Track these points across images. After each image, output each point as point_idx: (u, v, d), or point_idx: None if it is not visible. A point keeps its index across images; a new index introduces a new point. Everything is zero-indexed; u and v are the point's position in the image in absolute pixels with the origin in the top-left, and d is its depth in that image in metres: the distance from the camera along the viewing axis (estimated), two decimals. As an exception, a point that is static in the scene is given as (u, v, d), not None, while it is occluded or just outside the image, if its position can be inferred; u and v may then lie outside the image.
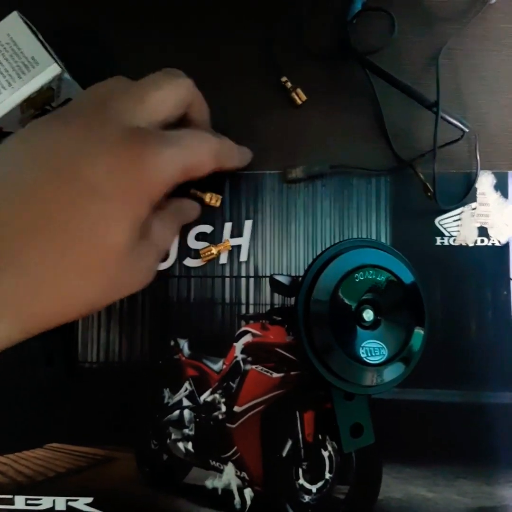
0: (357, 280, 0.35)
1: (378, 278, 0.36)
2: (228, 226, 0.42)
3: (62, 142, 0.28)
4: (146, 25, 0.43)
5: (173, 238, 0.38)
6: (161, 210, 0.33)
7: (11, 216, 0.26)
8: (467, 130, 0.38)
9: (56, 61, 0.37)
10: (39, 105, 0.38)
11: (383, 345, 0.36)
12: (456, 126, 0.38)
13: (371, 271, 0.35)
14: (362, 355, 0.35)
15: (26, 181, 0.27)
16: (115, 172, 0.28)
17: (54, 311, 0.28)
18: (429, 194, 0.39)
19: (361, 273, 0.35)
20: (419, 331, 0.36)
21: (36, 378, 0.40)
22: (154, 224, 0.32)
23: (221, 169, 0.35)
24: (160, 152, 0.29)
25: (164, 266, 0.42)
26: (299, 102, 0.41)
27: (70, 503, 0.42)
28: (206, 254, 0.41)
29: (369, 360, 0.35)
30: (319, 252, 0.42)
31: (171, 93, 0.32)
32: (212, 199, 0.41)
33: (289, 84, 0.41)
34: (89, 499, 0.42)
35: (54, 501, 0.42)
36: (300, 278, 0.42)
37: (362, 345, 0.35)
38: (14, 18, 0.37)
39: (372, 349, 0.35)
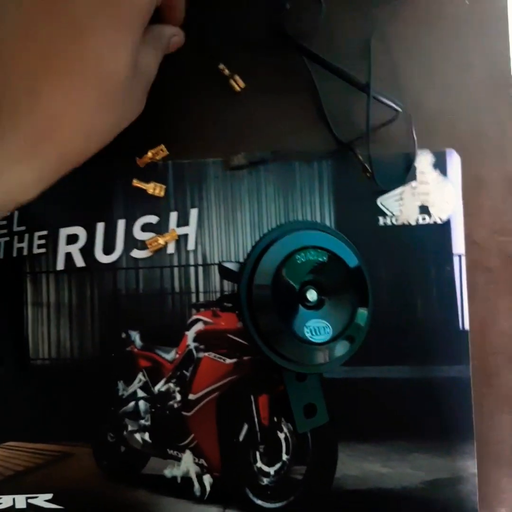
0: (299, 262, 0.36)
1: (319, 259, 0.36)
2: (173, 215, 0.42)
3: None
4: None
5: (157, 66, 0.36)
6: (144, 36, 0.33)
7: (18, 54, 0.28)
8: (400, 110, 0.39)
9: None
10: None
11: (328, 324, 0.36)
12: (389, 106, 0.38)
13: (312, 252, 0.36)
14: (307, 335, 0.35)
15: (23, 19, 0.28)
16: (102, 3, 0.29)
17: (78, 145, 0.30)
18: (368, 175, 0.40)
19: (302, 254, 0.36)
20: (362, 311, 0.36)
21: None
22: (140, 51, 0.32)
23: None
24: None
25: (110, 259, 0.42)
26: (238, 89, 0.42)
27: (30, 501, 0.41)
28: (153, 244, 0.41)
29: (314, 339, 0.35)
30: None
31: None
32: (156, 189, 0.41)
33: (226, 72, 0.41)
34: (49, 495, 0.42)
35: (14, 499, 0.42)
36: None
37: (306, 324, 0.36)
38: None
39: (317, 328, 0.36)
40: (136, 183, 0.41)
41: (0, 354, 0.41)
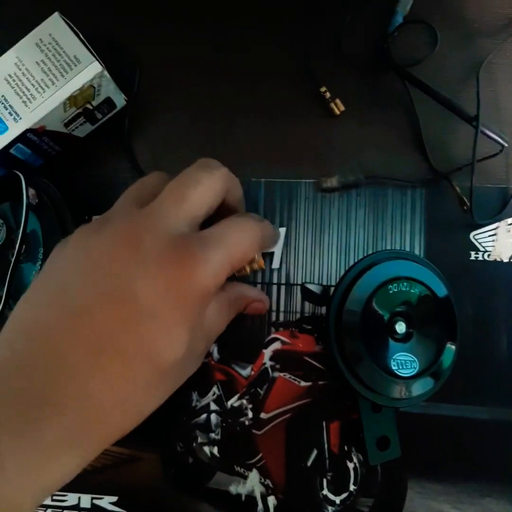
0: (390, 292, 0.35)
1: (411, 291, 0.36)
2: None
3: (108, 261, 0.28)
4: (185, 33, 0.44)
5: (225, 324, 0.35)
6: (220, 293, 0.32)
7: (72, 344, 0.26)
8: (506, 144, 0.38)
9: (97, 60, 0.38)
10: (80, 103, 0.39)
11: (415, 358, 0.35)
12: (495, 140, 0.37)
13: (405, 283, 0.35)
14: (393, 368, 0.35)
15: (78, 305, 0.27)
16: (164, 289, 0.27)
17: (126, 425, 0.28)
18: (465, 208, 0.39)
19: (395, 285, 0.35)
20: (450, 347, 0.36)
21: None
22: (210, 308, 0.31)
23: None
24: (207, 259, 0.28)
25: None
26: (338, 112, 0.42)
27: (95, 501, 0.42)
28: (240, 271, 0.41)
29: (400, 372, 0.35)
30: (351, 262, 0.42)
31: (210, 187, 0.31)
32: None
33: (328, 95, 0.41)
34: (114, 498, 0.42)
35: (79, 498, 0.42)
36: (332, 288, 0.42)
37: (393, 357, 0.35)
38: (55, 19, 0.38)
39: (404, 361, 0.35)
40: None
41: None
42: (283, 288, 0.42)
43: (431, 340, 0.36)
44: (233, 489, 0.41)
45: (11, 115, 0.38)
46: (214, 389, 0.42)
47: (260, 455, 0.41)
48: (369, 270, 0.35)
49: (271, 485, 0.41)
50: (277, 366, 0.42)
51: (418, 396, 0.36)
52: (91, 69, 0.38)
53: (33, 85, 0.38)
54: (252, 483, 0.41)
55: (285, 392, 0.42)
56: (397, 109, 0.42)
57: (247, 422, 0.42)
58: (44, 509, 0.42)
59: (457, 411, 0.41)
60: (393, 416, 0.39)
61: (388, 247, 0.42)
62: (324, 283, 0.42)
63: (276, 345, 0.42)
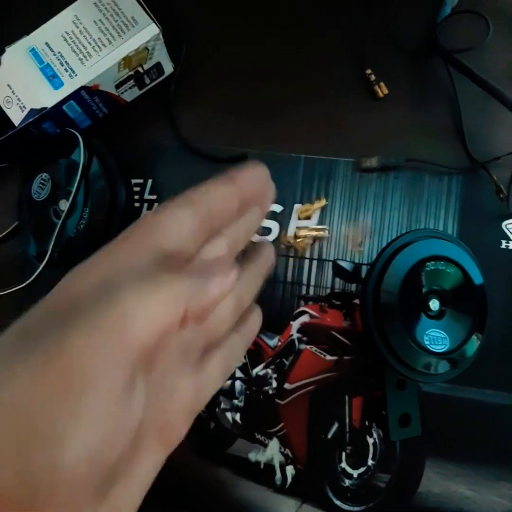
0: (428, 269, 0.36)
1: (447, 270, 0.36)
2: (297, 207, 0.43)
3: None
4: (236, 11, 0.44)
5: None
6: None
7: None
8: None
9: (154, 22, 0.39)
10: (133, 65, 0.40)
11: (446, 335, 0.36)
12: (538, 131, 0.38)
13: (442, 263, 0.36)
14: (426, 342, 0.36)
15: None
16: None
17: None
18: (501, 196, 0.40)
19: (432, 262, 0.36)
20: (477, 334, 0.36)
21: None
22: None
23: None
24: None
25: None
26: (381, 95, 0.42)
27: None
28: (303, 212, 0.42)
29: (432, 347, 0.35)
30: (384, 242, 0.43)
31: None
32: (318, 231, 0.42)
33: (372, 77, 0.42)
34: (134, 458, 0.42)
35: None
36: (364, 266, 0.43)
37: (426, 332, 0.36)
38: None
39: (436, 337, 0.36)
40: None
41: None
42: (315, 262, 0.43)
43: (462, 320, 0.37)
44: (252, 456, 0.42)
45: (67, 71, 0.38)
46: (241, 357, 0.43)
47: (282, 424, 0.42)
48: (408, 246, 0.36)
49: (290, 455, 0.42)
50: (304, 338, 0.42)
51: (443, 374, 0.36)
52: (148, 31, 0.38)
53: (89, 43, 0.39)
54: (272, 451, 0.42)
55: (310, 365, 0.42)
56: (440, 96, 0.43)
57: (271, 391, 0.42)
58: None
59: (479, 394, 0.42)
60: (416, 394, 0.40)
61: (422, 230, 0.43)
62: (356, 261, 0.43)
63: (305, 318, 0.43)
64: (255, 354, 0.43)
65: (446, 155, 0.43)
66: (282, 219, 0.43)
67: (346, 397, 0.42)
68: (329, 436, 0.42)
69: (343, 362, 0.42)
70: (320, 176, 0.43)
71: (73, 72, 0.38)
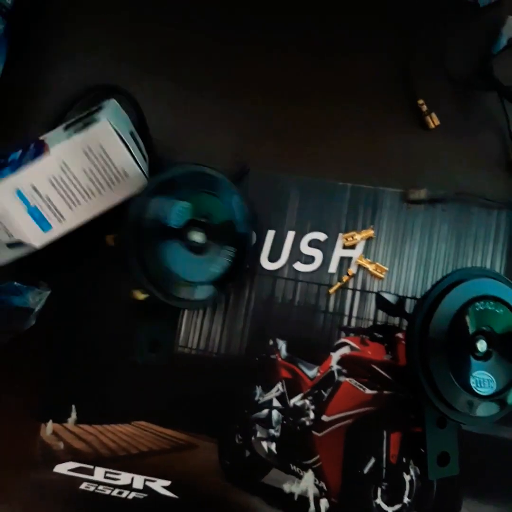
0: (477, 309, 0.35)
1: (497, 310, 0.36)
2: (341, 236, 0.42)
3: None
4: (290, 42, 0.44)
5: None
6: None
7: None
8: None
9: (144, 174, 0.38)
10: None
11: (492, 377, 0.35)
12: None
13: (491, 303, 0.35)
14: (472, 384, 0.35)
15: None
16: None
17: None
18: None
19: (482, 303, 0.35)
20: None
21: (141, 361, 0.41)
22: None
23: None
24: None
25: (274, 266, 0.43)
26: (432, 125, 0.42)
27: (147, 483, 0.42)
28: (349, 240, 0.42)
29: (478, 390, 0.35)
30: (430, 275, 0.42)
31: None
32: (377, 269, 0.42)
33: (424, 107, 0.42)
34: (167, 482, 0.42)
35: (132, 478, 0.43)
36: (408, 299, 0.42)
37: (473, 374, 0.35)
38: (105, 127, 0.37)
39: (482, 380, 0.35)
40: (360, 260, 0.42)
41: (158, 339, 0.42)
42: (357, 293, 0.42)
43: (509, 364, 0.36)
44: (287, 487, 0.42)
45: (56, 216, 0.38)
46: (279, 386, 0.42)
47: (318, 456, 0.42)
48: (458, 286, 0.35)
49: (325, 488, 0.41)
50: (344, 370, 0.42)
51: (487, 417, 0.36)
52: (139, 182, 0.38)
53: (78, 191, 0.38)
54: (306, 483, 0.41)
55: (349, 397, 0.42)
56: (491, 128, 0.42)
57: (308, 423, 0.42)
58: (96, 484, 0.43)
59: (520, 436, 0.41)
60: (456, 433, 0.39)
61: (469, 265, 0.42)
62: (400, 293, 0.42)
63: (345, 350, 0.42)
64: (293, 384, 0.42)
65: (495, 189, 0.42)
66: (326, 248, 0.43)
67: (384, 432, 0.41)
68: (365, 471, 0.41)
69: (383, 396, 0.42)
70: (366, 206, 0.43)
71: (62, 217, 0.38)
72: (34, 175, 0.36)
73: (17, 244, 0.38)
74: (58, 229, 0.39)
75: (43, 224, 0.38)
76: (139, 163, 0.38)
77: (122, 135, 0.37)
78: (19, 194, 0.36)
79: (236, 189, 0.39)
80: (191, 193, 0.37)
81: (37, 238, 0.38)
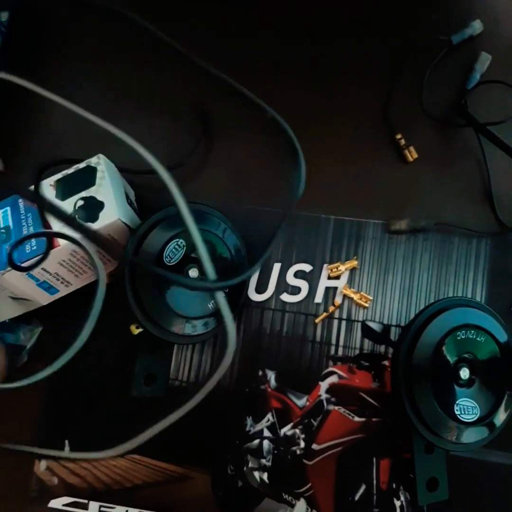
0: (458, 338, 0.36)
1: (478, 339, 0.37)
2: (326, 267, 0.44)
3: None
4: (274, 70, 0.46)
5: None
6: None
7: None
8: None
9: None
10: None
11: (476, 404, 0.36)
12: None
13: (472, 331, 0.36)
14: (457, 412, 0.36)
15: None
16: None
17: None
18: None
19: (463, 331, 0.36)
20: (507, 403, 0.37)
21: (138, 394, 0.42)
22: None
23: None
24: None
25: (261, 297, 0.44)
26: (411, 159, 0.43)
27: (142, 516, 0.43)
28: (334, 270, 0.43)
29: (462, 418, 0.36)
30: (413, 304, 0.43)
31: None
32: (362, 298, 0.43)
33: (402, 141, 0.43)
34: (161, 515, 0.43)
35: (127, 511, 0.43)
36: (393, 327, 0.43)
37: (457, 402, 0.36)
38: (117, 224, 0.38)
39: (466, 407, 0.36)
40: (345, 290, 0.43)
41: (154, 372, 0.42)
42: (344, 323, 0.43)
43: (492, 389, 0.37)
44: (279, 516, 0.42)
45: (63, 283, 0.40)
46: (269, 416, 0.43)
47: (309, 485, 0.42)
48: (440, 315, 0.36)
49: (317, 516, 0.42)
50: (333, 399, 0.43)
51: (474, 443, 0.37)
52: None
53: (86, 264, 0.40)
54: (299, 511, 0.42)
55: (338, 426, 0.42)
56: (469, 161, 0.44)
57: (298, 452, 0.43)
58: (91, 519, 0.43)
59: (508, 459, 0.41)
60: (444, 458, 0.40)
61: (451, 293, 0.43)
62: (385, 322, 0.43)
63: (333, 379, 0.43)
64: (283, 413, 0.43)
65: (475, 218, 0.43)
66: (311, 278, 0.44)
67: (374, 459, 0.42)
68: (357, 498, 0.42)
69: (371, 423, 0.42)
70: (350, 237, 0.44)
71: (68, 283, 0.40)
72: (44, 263, 0.38)
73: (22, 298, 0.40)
74: (64, 291, 0.41)
75: (51, 290, 0.40)
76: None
77: (129, 224, 0.39)
78: (29, 275, 0.38)
79: (231, 224, 0.40)
80: (185, 230, 0.38)
81: (44, 299, 0.41)
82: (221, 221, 0.40)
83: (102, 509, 0.43)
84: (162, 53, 0.46)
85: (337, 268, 0.43)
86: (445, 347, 0.36)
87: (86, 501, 0.43)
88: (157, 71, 0.47)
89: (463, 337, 0.36)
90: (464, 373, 0.37)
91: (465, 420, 0.36)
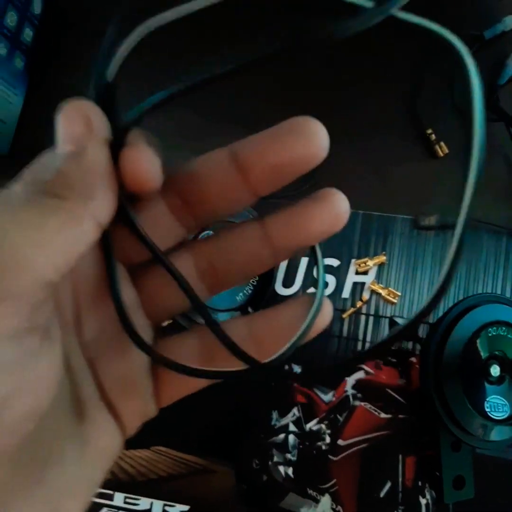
0: (489, 335, 0.36)
1: (509, 335, 0.36)
2: (354, 262, 0.43)
3: None
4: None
5: None
6: None
7: None
8: None
9: None
10: None
11: (506, 402, 0.36)
12: None
13: (504, 328, 0.36)
14: (487, 409, 0.35)
15: None
16: None
17: None
18: None
19: (494, 328, 0.36)
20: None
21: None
22: None
23: None
24: None
25: (288, 292, 0.44)
26: (441, 154, 0.43)
27: (166, 508, 0.43)
28: (362, 265, 0.43)
29: (493, 415, 0.35)
30: (442, 300, 0.43)
31: None
32: (390, 294, 0.43)
33: (433, 136, 0.43)
34: (186, 507, 0.43)
35: (151, 503, 0.43)
36: (428, 324, 0.43)
37: (487, 399, 0.36)
38: None
39: (496, 404, 0.36)
40: (373, 285, 0.43)
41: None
42: (371, 319, 0.43)
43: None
44: (304, 511, 0.42)
45: None
46: (294, 410, 0.43)
47: (334, 481, 0.42)
48: (471, 311, 0.36)
49: (342, 512, 0.42)
50: (359, 395, 0.42)
51: (502, 441, 0.36)
52: None
53: None
54: (323, 507, 0.42)
55: (364, 422, 0.42)
56: (500, 157, 0.43)
57: (324, 447, 0.42)
58: (116, 510, 0.43)
59: (535, 459, 0.41)
60: (470, 456, 0.40)
61: (480, 290, 0.43)
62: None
63: (360, 375, 0.43)
64: (309, 408, 0.43)
65: (504, 215, 0.43)
66: (339, 273, 0.44)
67: (400, 456, 0.42)
68: (382, 495, 0.42)
69: (397, 420, 0.42)
70: (378, 233, 0.44)
71: None
72: None
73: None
74: None
75: None
76: None
77: None
78: None
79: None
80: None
81: None
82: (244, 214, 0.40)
83: (127, 500, 0.43)
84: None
85: (365, 263, 0.43)
86: (475, 344, 0.35)
87: (111, 492, 0.43)
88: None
89: (494, 333, 0.36)
90: (495, 370, 0.36)
91: (495, 418, 0.36)
